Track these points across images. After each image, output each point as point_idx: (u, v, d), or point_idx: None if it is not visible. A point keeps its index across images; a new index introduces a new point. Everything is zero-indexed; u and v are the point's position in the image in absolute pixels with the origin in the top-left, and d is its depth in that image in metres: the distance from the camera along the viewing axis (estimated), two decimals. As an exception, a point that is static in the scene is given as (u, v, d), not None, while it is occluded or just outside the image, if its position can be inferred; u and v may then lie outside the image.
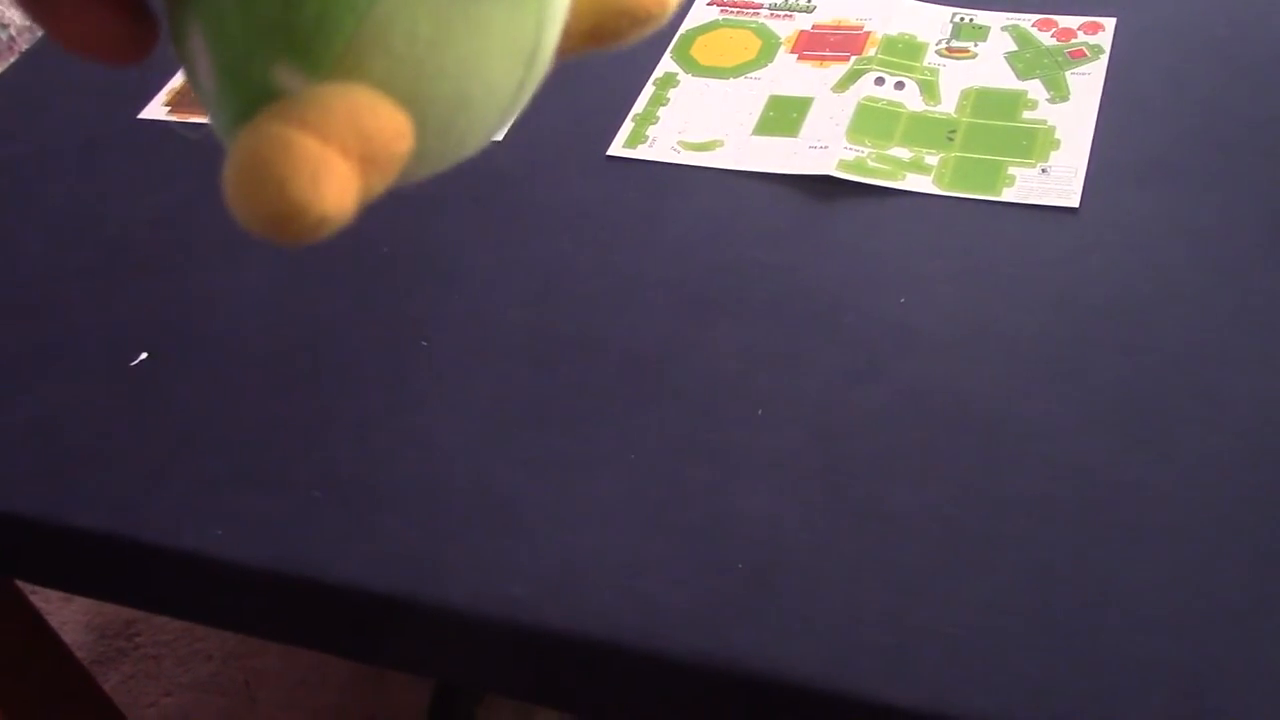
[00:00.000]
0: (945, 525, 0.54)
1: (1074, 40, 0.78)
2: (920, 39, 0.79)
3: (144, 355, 0.66)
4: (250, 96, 0.21)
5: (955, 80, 0.76)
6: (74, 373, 0.66)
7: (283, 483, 0.59)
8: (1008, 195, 0.68)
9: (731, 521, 0.55)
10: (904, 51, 0.78)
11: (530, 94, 0.24)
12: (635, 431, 0.59)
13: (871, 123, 0.73)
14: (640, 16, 0.24)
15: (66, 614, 1.36)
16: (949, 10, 0.81)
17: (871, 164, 0.70)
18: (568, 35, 0.24)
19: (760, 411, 0.59)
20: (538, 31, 0.22)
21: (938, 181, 0.69)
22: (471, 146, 0.23)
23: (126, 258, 0.73)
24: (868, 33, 0.80)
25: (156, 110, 0.83)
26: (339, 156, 0.19)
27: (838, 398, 0.59)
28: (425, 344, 0.65)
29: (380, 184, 0.20)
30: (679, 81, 0.79)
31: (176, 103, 0.83)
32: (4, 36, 1.45)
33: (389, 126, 0.20)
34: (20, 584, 0.84)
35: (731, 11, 0.84)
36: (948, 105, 0.74)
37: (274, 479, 0.60)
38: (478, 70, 0.21)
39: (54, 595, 1.34)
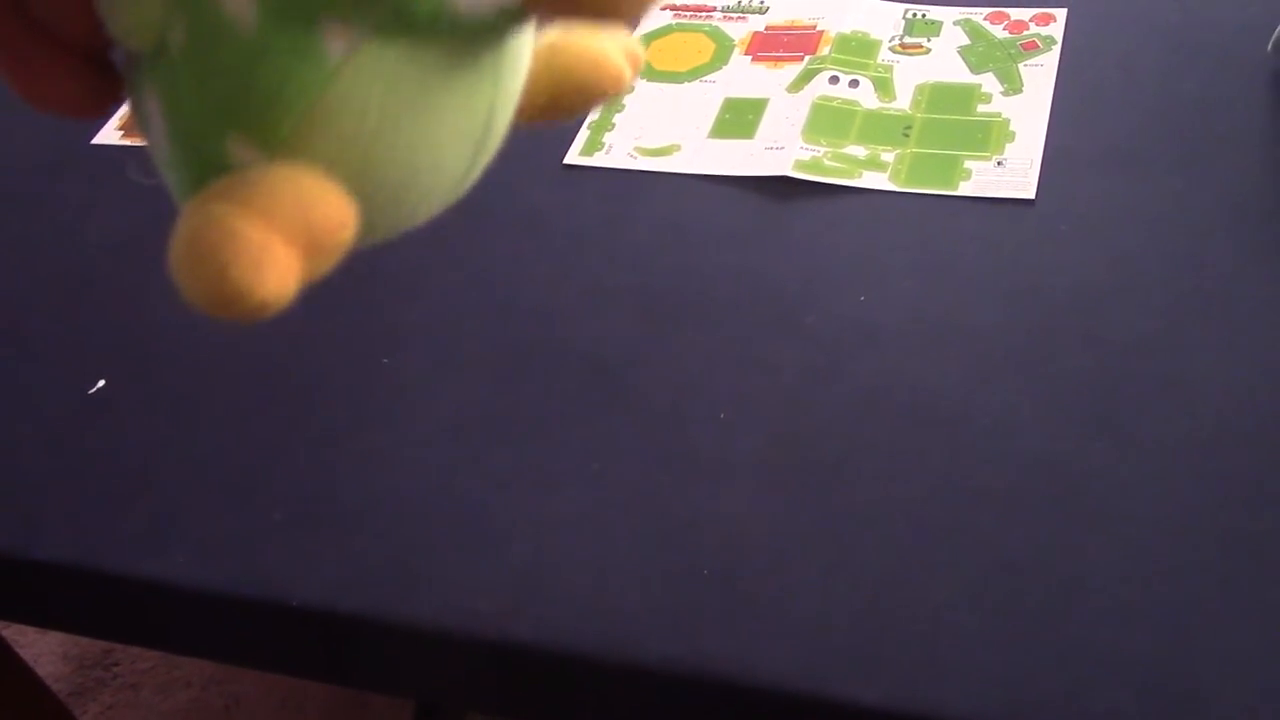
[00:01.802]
0: (912, 522, 0.54)
1: (1026, 32, 0.78)
2: (873, 36, 0.79)
3: (102, 383, 0.66)
4: (204, 165, 0.21)
5: (909, 76, 0.76)
6: (31, 403, 0.66)
7: (246, 506, 0.59)
8: (964, 189, 0.68)
9: (698, 526, 0.55)
10: (857, 49, 0.78)
11: (480, 171, 0.24)
12: (599, 440, 0.59)
13: (827, 122, 0.73)
14: (595, 93, 0.25)
15: (42, 645, 1.35)
16: (901, 6, 0.81)
17: (828, 163, 0.70)
18: (522, 110, 0.24)
19: (723, 415, 0.59)
20: (490, 116, 0.23)
21: (894, 178, 0.69)
22: (420, 219, 0.23)
23: (82, 285, 0.72)
24: (821, 32, 0.80)
25: (110, 136, 0.83)
26: (282, 244, 0.20)
27: (801, 398, 0.59)
28: (386, 361, 0.64)
29: (322, 268, 0.21)
30: (634, 87, 0.78)
31: (130, 128, 0.83)
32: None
33: (334, 216, 0.20)
34: (-12, 618, 0.83)
35: (685, 15, 0.84)
36: (902, 102, 0.74)
37: (236, 502, 0.59)
38: (427, 152, 0.22)
39: (28, 627, 1.32)
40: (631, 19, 0.20)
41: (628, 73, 0.25)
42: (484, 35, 0.21)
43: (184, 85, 0.21)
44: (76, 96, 0.23)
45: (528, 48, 0.24)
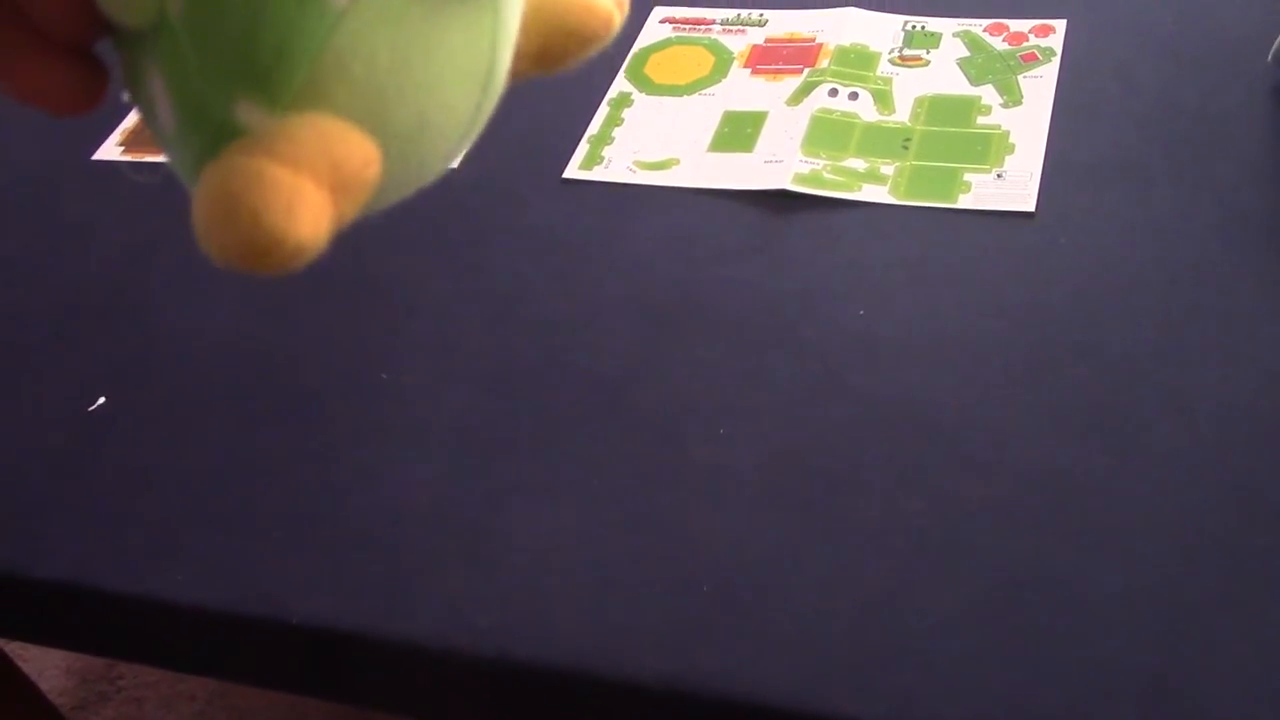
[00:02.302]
0: (911, 536, 0.54)
1: (1025, 44, 0.78)
2: (873, 49, 0.79)
3: (102, 400, 0.66)
4: (212, 134, 0.21)
5: (909, 89, 0.76)
6: (31, 420, 0.66)
7: (245, 523, 0.59)
8: (964, 202, 0.68)
9: (697, 542, 0.55)
10: (857, 62, 0.78)
11: (487, 116, 0.24)
12: (598, 455, 0.59)
13: (826, 135, 0.73)
14: (586, 36, 0.24)
15: (45, 660, 1.35)
16: (900, 19, 0.81)
17: (827, 176, 0.70)
18: (517, 58, 0.24)
19: (723, 429, 0.59)
20: (492, 53, 0.22)
21: (893, 191, 0.69)
22: (431, 171, 0.23)
23: (82, 301, 0.72)
24: (820, 44, 0.80)
25: (110, 151, 0.83)
26: (312, 185, 0.19)
27: (800, 412, 0.59)
28: (385, 376, 0.64)
29: (351, 210, 0.20)
30: (633, 101, 0.78)
31: (130, 142, 0.83)
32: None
33: (358, 153, 0.20)
34: (-9, 635, 0.83)
35: (684, 29, 0.84)
36: (902, 114, 0.74)
37: (235, 519, 0.59)
38: (437, 93, 0.21)
39: (33, 642, 1.32)
40: None
41: (617, 15, 0.25)
42: None
43: (186, 54, 0.21)
44: (61, 90, 0.23)
45: None
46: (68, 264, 0.75)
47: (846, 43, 0.79)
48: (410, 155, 0.22)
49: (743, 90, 0.78)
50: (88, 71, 0.22)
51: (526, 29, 0.24)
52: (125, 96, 0.23)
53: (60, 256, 0.76)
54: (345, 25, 0.20)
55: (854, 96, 0.75)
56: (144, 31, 0.21)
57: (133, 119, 0.84)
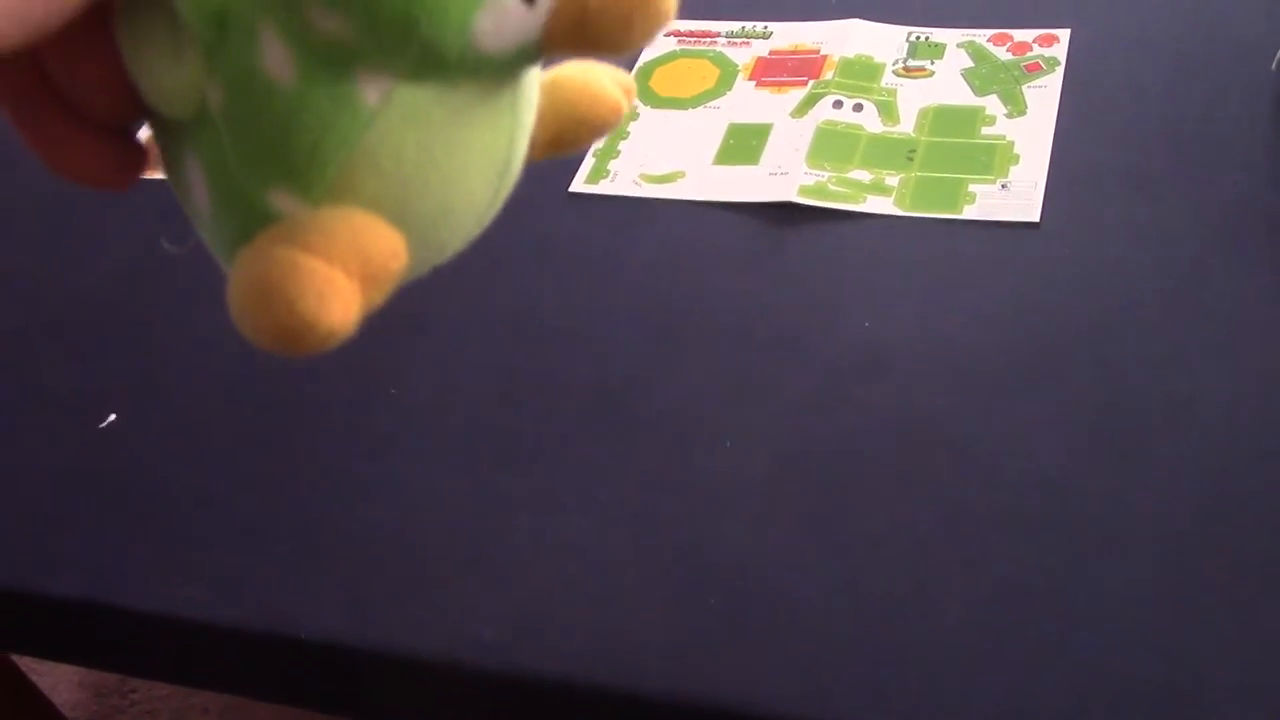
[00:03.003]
0: (917, 547, 0.54)
1: (1029, 54, 0.78)
2: (877, 60, 0.79)
3: (113, 417, 0.66)
4: (248, 219, 0.22)
5: (913, 99, 0.76)
6: (43, 438, 0.66)
7: (255, 538, 0.59)
8: (969, 213, 0.68)
9: (704, 553, 0.55)
10: (861, 73, 0.78)
11: (503, 200, 0.25)
12: (605, 467, 0.59)
13: (831, 146, 0.73)
14: (596, 124, 0.26)
15: (59, 674, 1.36)
16: (904, 29, 0.81)
17: (832, 188, 0.71)
18: (531, 145, 0.25)
19: (728, 441, 0.59)
20: (510, 146, 0.24)
21: (898, 202, 0.69)
22: (451, 251, 0.25)
23: (91, 317, 0.72)
24: (824, 56, 0.80)
25: (120, 168, 0.83)
26: (343, 276, 0.21)
27: (806, 424, 0.59)
28: (394, 391, 0.65)
29: (379, 297, 0.22)
30: (639, 114, 0.79)
31: (140, 160, 0.83)
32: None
33: (386, 247, 0.22)
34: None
35: (689, 41, 0.84)
36: (906, 125, 0.74)
37: (246, 534, 0.59)
38: (458, 184, 0.23)
39: (47, 656, 1.33)
40: (638, 49, 0.22)
41: (624, 104, 0.26)
42: (505, 72, 0.23)
43: (225, 144, 0.22)
44: (102, 170, 0.24)
45: (536, 83, 0.25)
46: (78, 279, 0.76)
47: (851, 54, 0.80)
48: (431, 240, 0.23)
49: (748, 103, 0.78)
50: (127, 151, 0.24)
51: (541, 118, 0.25)
52: (163, 174, 0.24)
53: (70, 272, 0.76)
54: (376, 124, 0.21)
55: (858, 108, 0.76)
56: (184, 120, 0.22)
57: (145, 133, 0.85)
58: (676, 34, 0.85)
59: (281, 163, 0.22)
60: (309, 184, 0.22)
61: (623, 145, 0.77)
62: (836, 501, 0.56)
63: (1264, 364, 0.59)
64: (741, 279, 0.67)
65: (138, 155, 0.24)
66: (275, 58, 0.21)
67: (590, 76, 0.26)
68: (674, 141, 0.76)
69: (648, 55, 0.83)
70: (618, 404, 0.62)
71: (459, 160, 0.23)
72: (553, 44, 0.21)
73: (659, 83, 0.81)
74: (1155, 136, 0.71)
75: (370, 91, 0.21)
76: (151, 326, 0.71)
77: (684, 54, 0.83)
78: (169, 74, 0.22)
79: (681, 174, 0.74)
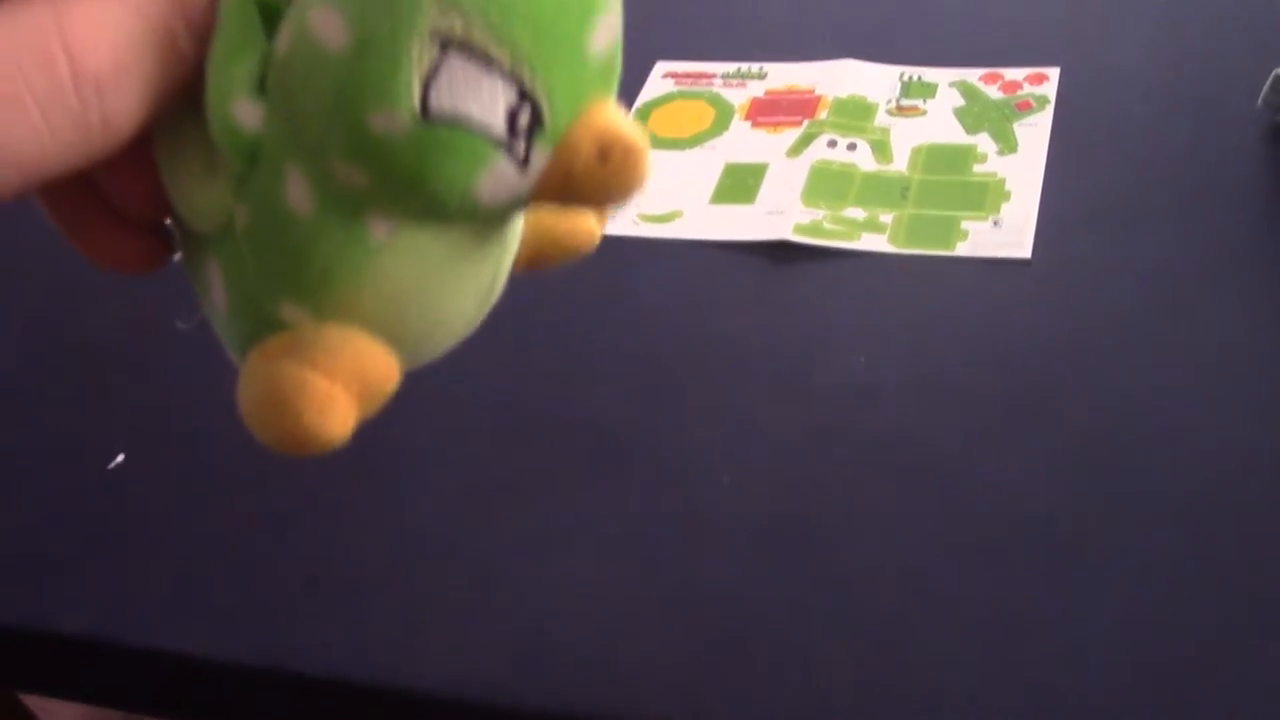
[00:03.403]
0: (914, 584, 0.55)
1: (1020, 92, 0.79)
2: (870, 99, 0.81)
3: (121, 457, 0.67)
4: (260, 324, 0.25)
5: (906, 138, 0.77)
6: (52, 478, 0.67)
7: (261, 577, 0.60)
8: (961, 249, 0.69)
9: (703, 589, 0.56)
10: (855, 113, 0.80)
11: (486, 314, 0.28)
12: (603, 505, 0.60)
13: (826, 185, 0.74)
14: (572, 248, 0.30)
15: (66, 713, 1.36)
16: (897, 69, 0.83)
17: (827, 226, 0.72)
18: (513, 263, 0.29)
19: (726, 478, 0.60)
20: (496, 274, 0.27)
21: (892, 240, 0.70)
22: (433, 358, 0.28)
23: (100, 359, 0.74)
24: (819, 96, 0.82)
25: (128, 212, 0.85)
26: (343, 393, 0.24)
27: (802, 460, 0.60)
28: (395, 430, 0.65)
29: (372, 411, 0.25)
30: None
31: (147, 203, 0.85)
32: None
33: (382, 369, 0.25)
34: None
35: (686, 83, 0.86)
36: (900, 163, 0.76)
37: (250, 572, 0.60)
38: (448, 306, 0.26)
39: (53, 694, 1.33)
40: (614, 208, 0.25)
41: (598, 231, 0.30)
42: (497, 219, 0.26)
43: (245, 258, 0.25)
44: (136, 260, 0.27)
45: (521, 217, 0.28)
46: (85, 322, 0.77)
47: (844, 94, 0.81)
48: (419, 351, 0.27)
49: (744, 143, 0.80)
50: (157, 242, 0.26)
51: (523, 240, 0.28)
52: (181, 264, 0.28)
53: (76, 315, 0.77)
54: (381, 256, 0.24)
55: (852, 147, 0.77)
56: (209, 232, 0.25)
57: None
58: (673, 75, 0.86)
59: (295, 281, 0.25)
60: (318, 302, 0.25)
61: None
62: (833, 537, 0.57)
63: (1254, 398, 0.59)
64: (738, 316, 0.68)
65: (167, 245, 0.27)
66: (297, 192, 0.24)
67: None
68: (672, 181, 0.78)
69: (646, 96, 0.85)
70: (617, 440, 0.63)
71: (450, 287, 0.26)
72: (540, 199, 0.24)
73: (657, 123, 0.83)
74: (1144, 173, 0.72)
75: (378, 229, 0.24)
76: (162, 369, 0.72)
77: (681, 95, 0.85)
78: (200, 193, 0.25)
79: (679, 213, 0.75)
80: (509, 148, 0.23)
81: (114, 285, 0.79)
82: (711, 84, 0.85)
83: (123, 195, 0.25)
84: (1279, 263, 0.67)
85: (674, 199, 0.76)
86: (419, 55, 0.21)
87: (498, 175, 0.23)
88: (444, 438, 0.65)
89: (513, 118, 0.22)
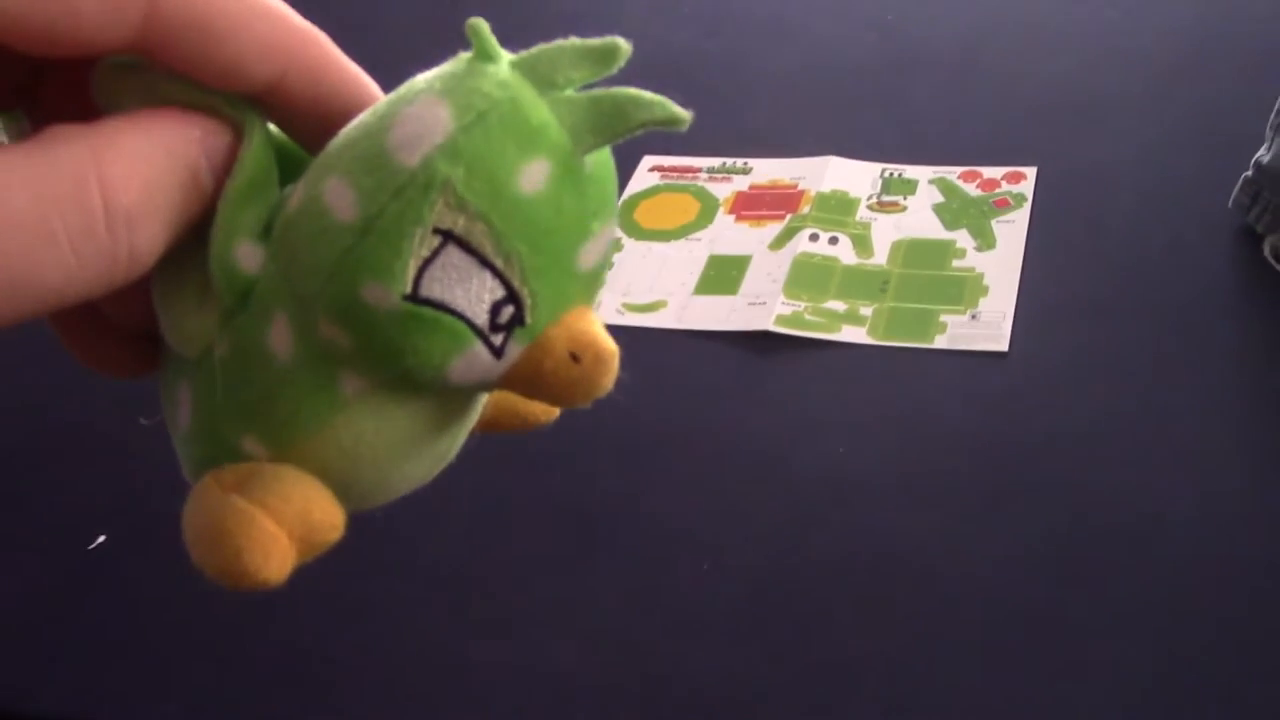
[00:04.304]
0: (891, 674, 0.55)
1: (998, 190, 0.81)
2: (852, 195, 0.83)
3: (102, 538, 0.67)
4: (218, 451, 0.26)
5: (886, 233, 0.79)
6: (32, 559, 0.67)
7: (236, 661, 0.60)
8: (940, 342, 0.70)
9: (681, 676, 0.56)
10: (837, 207, 0.81)
11: (433, 478, 0.30)
12: (581, 592, 0.60)
13: (807, 277, 0.76)
14: (530, 421, 0.31)
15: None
16: (878, 166, 0.85)
17: (808, 318, 0.73)
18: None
19: (706, 566, 0.60)
20: (453, 442, 0.28)
21: (872, 332, 0.72)
22: (375, 506, 0.29)
23: (82, 439, 0.74)
24: (802, 191, 0.83)
25: (119, 294, 0.86)
26: (286, 539, 0.25)
27: (782, 550, 0.61)
28: (377, 513, 0.66)
29: (310, 557, 0.26)
30: (623, 245, 0.82)
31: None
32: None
33: (328, 520, 0.25)
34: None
35: (672, 176, 0.87)
36: (880, 257, 0.77)
37: (228, 654, 0.60)
38: (401, 469, 0.27)
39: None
40: (579, 406, 0.26)
41: (557, 411, 0.31)
42: (464, 397, 0.27)
43: (217, 386, 0.26)
44: (125, 366, 0.28)
45: (486, 395, 0.30)
46: (67, 403, 0.77)
47: (827, 189, 0.83)
48: (363, 504, 0.27)
49: (728, 235, 0.81)
50: (147, 349, 0.28)
51: (483, 407, 0.30)
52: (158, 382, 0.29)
53: (59, 396, 0.78)
54: (346, 411, 0.25)
55: (834, 241, 0.79)
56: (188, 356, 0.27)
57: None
58: (660, 169, 0.88)
59: (260, 419, 0.25)
60: (278, 442, 0.25)
61: (606, 275, 0.79)
62: (810, 626, 0.57)
63: (1226, 490, 0.60)
64: (720, 406, 0.69)
65: (155, 351, 0.28)
66: (279, 337, 0.25)
67: None
68: (656, 271, 0.79)
69: (633, 189, 0.87)
70: (598, 527, 0.63)
71: (407, 450, 0.27)
72: (507, 386, 0.25)
73: (643, 215, 0.84)
74: (1118, 270, 0.73)
75: (349, 386, 0.25)
76: (143, 450, 0.73)
77: (667, 188, 0.86)
78: (188, 321, 0.26)
79: (664, 303, 0.77)
80: (487, 338, 0.24)
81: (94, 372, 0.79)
82: (697, 178, 0.87)
83: (118, 311, 0.27)
84: (1251, 359, 0.68)
85: (659, 289, 0.78)
86: (420, 243, 0.23)
87: (471, 360, 0.24)
88: (422, 523, 0.65)
89: (496, 312, 0.24)
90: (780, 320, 0.73)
